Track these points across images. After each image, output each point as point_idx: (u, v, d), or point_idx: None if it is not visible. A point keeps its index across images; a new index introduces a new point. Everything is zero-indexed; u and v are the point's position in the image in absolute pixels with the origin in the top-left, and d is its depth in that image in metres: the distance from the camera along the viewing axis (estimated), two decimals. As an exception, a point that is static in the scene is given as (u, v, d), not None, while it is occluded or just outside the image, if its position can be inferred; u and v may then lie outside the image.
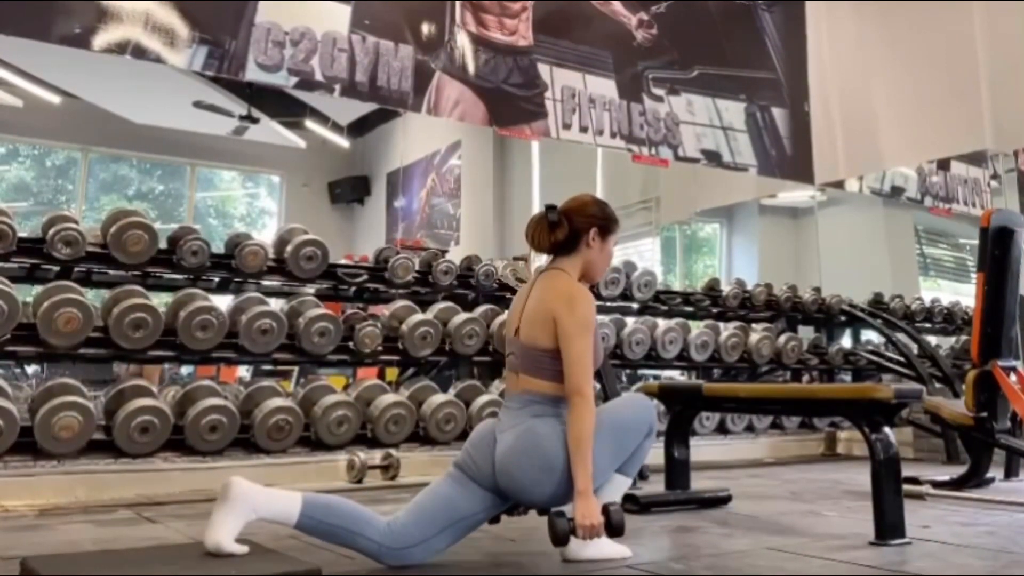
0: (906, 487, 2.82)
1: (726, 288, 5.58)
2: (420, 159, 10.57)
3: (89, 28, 3.66)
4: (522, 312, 2.36)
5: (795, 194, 7.78)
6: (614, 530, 2.17)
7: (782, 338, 5.37)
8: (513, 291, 4.33)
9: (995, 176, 7.45)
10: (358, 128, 11.01)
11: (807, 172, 6.20)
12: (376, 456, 4.07)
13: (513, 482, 2.22)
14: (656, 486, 3.67)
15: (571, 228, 2.37)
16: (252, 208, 12.34)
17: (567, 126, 5.04)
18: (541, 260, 2.59)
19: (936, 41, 5.77)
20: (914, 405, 4.24)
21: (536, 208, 9.29)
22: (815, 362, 5.56)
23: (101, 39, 3.69)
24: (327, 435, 3.62)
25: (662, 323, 5.03)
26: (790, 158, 6.10)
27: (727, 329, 5.26)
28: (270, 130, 9.91)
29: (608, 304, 5.04)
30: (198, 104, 8.98)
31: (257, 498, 2.09)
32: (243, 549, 2.08)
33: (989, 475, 3.87)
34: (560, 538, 2.16)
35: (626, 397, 2.58)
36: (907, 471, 2.93)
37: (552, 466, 2.19)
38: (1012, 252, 3.64)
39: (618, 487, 2.36)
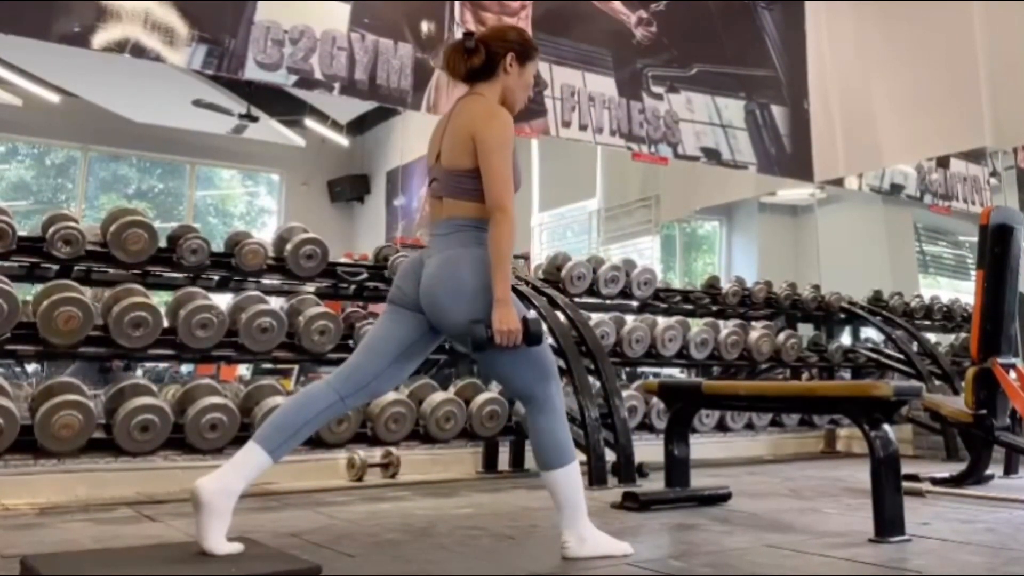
0: (906, 484, 2.82)
1: (726, 286, 5.58)
2: (420, 157, 10.51)
3: (88, 27, 3.66)
4: (442, 138, 2.36)
5: (795, 192, 7.78)
6: (531, 338, 2.20)
7: (781, 336, 5.37)
8: (513, 290, 4.33)
9: (994, 173, 7.45)
10: (357, 126, 11.00)
11: (807, 170, 6.20)
12: (376, 454, 4.07)
13: (433, 306, 2.26)
14: (656, 484, 3.68)
15: (487, 54, 2.36)
16: (252, 207, 12.33)
17: (566, 124, 5.04)
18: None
19: (935, 39, 5.77)
20: (913, 402, 4.24)
21: (536, 206, 9.32)
22: (814, 360, 5.56)
23: (100, 38, 3.69)
24: (327, 433, 3.62)
25: (662, 321, 5.03)
26: (789, 156, 6.10)
27: (727, 327, 5.25)
28: (269, 128, 9.91)
29: (607, 302, 5.04)
30: (197, 103, 8.97)
31: (226, 482, 2.10)
32: (237, 547, 2.09)
33: (989, 472, 3.88)
34: (478, 343, 2.19)
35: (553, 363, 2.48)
36: (907, 468, 2.94)
37: (468, 294, 2.21)
38: (1011, 249, 3.64)
39: (569, 476, 2.30)
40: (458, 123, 2.32)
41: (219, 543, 2.06)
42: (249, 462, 2.15)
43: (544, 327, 2.30)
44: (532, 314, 2.24)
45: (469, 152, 2.25)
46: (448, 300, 2.23)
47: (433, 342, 2.39)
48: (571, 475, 2.30)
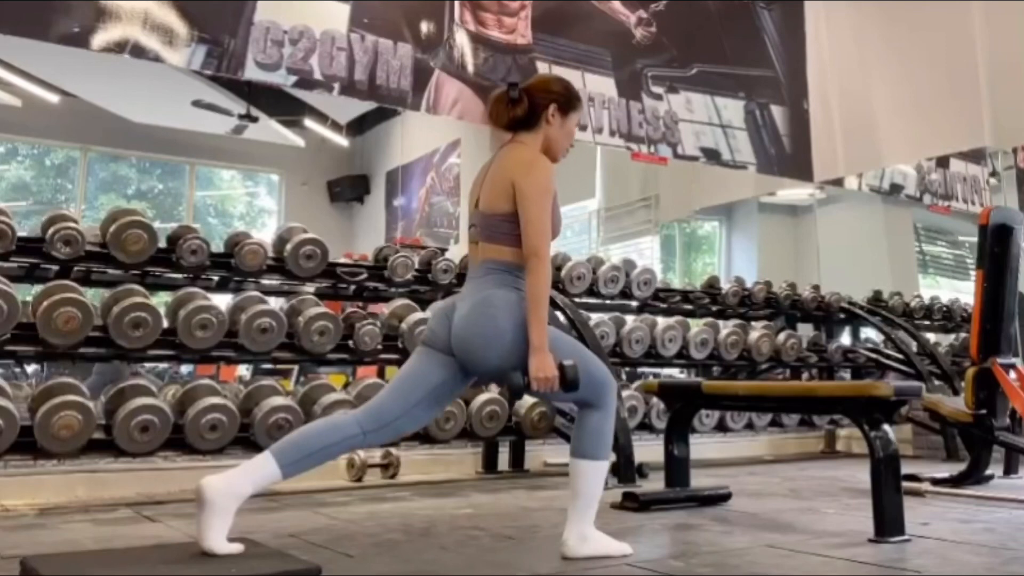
0: (905, 484, 2.82)
1: (725, 286, 5.58)
2: (419, 157, 10.57)
3: (88, 27, 3.65)
4: (482, 184, 2.38)
5: (794, 192, 7.78)
6: (569, 384, 2.21)
7: (781, 336, 5.37)
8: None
9: (994, 173, 7.45)
10: (357, 127, 11.00)
11: (806, 170, 6.19)
12: (376, 454, 4.07)
13: (466, 349, 2.26)
14: (656, 484, 3.68)
15: (531, 104, 2.38)
16: (251, 207, 12.34)
17: (566, 124, 5.03)
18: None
19: (935, 38, 5.77)
20: (913, 402, 4.24)
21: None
22: (814, 360, 5.57)
23: (100, 38, 3.69)
24: (327, 434, 3.62)
25: (661, 321, 5.03)
26: (789, 156, 6.09)
27: (726, 327, 5.26)
28: (269, 129, 9.91)
29: (607, 302, 5.04)
30: (197, 103, 8.97)
31: (233, 484, 2.10)
32: (237, 548, 2.09)
33: (988, 472, 3.88)
34: (516, 391, 2.21)
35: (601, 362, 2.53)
36: (906, 468, 2.94)
37: (502, 336, 2.22)
38: (1011, 249, 3.65)
39: (596, 473, 2.33)
40: (499, 170, 2.34)
41: (219, 543, 2.06)
42: (260, 470, 2.14)
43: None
44: (569, 360, 2.23)
45: (508, 197, 2.27)
46: (482, 344, 2.24)
47: (463, 384, 2.39)
48: (600, 471, 2.34)
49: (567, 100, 2.43)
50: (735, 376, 5.35)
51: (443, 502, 3.44)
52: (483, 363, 2.26)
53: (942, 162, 7.21)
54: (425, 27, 4.56)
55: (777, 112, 6.07)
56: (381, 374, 4.87)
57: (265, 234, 6.61)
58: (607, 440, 2.35)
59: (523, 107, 2.37)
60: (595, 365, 2.36)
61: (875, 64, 6.12)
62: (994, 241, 3.63)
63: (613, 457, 4.00)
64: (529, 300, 2.22)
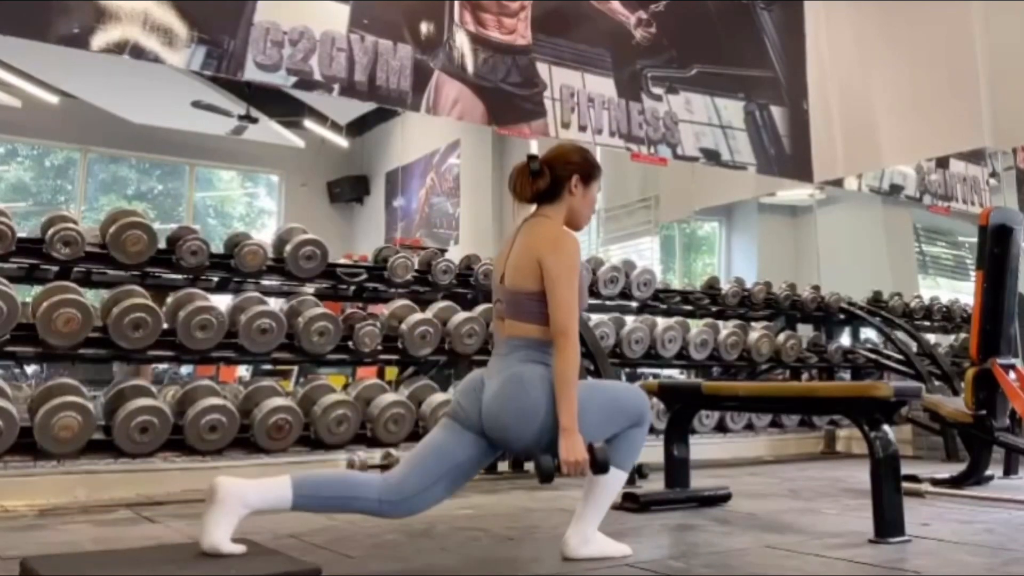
0: (905, 485, 2.82)
1: (725, 287, 5.58)
2: (419, 158, 10.57)
3: (87, 28, 3.66)
4: (507, 259, 2.37)
5: (794, 192, 7.77)
6: (599, 467, 2.19)
7: (781, 336, 5.37)
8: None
9: (994, 174, 7.45)
10: (357, 127, 11.00)
11: (806, 170, 6.19)
12: (376, 455, 4.07)
13: (498, 427, 2.24)
14: (656, 484, 3.68)
15: (553, 177, 2.37)
16: (251, 208, 12.34)
17: (566, 125, 5.04)
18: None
19: (935, 38, 5.77)
20: (913, 403, 4.24)
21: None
22: (814, 360, 5.57)
23: (99, 39, 3.69)
24: (327, 434, 3.62)
25: (661, 322, 5.03)
26: (789, 156, 6.10)
27: (726, 328, 5.26)
28: (269, 130, 9.90)
29: (607, 303, 5.04)
30: (197, 104, 8.97)
31: (246, 493, 2.09)
32: (240, 548, 2.08)
33: (988, 473, 3.88)
34: (546, 475, 2.18)
35: (623, 383, 2.59)
36: (906, 469, 2.94)
37: (536, 412, 2.20)
38: (1011, 250, 3.65)
39: (615, 481, 2.36)
40: (525, 247, 2.32)
41: (223, 541, 2.05)
42: (274, 490, 2.12)
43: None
44: (600, 443, 2.22)
45: (534, 276, 2.26)
46: (516, 420, 2.21)
47: (489, 459, 2.37)
48: (619, 480, 2.36)
49: (588, 170, 2.42)
50: (735, 377, 5.35)
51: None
52: (516, 440, 2.24)
53: (942, 163, 7.21)
54: (425, 28, 4.56)
55: (777, 112, 6.07)
56: (381, 375, 4.88)
57: (265, 235, 6.62)
58: (635, 454, 2.38)
59: (546, 180, 2.36)
60: (629, 397, 2.38)
61: (875, 64, 6.13)
62: (994, 242, 3.63)
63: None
64: (557, 381, 2.19)
